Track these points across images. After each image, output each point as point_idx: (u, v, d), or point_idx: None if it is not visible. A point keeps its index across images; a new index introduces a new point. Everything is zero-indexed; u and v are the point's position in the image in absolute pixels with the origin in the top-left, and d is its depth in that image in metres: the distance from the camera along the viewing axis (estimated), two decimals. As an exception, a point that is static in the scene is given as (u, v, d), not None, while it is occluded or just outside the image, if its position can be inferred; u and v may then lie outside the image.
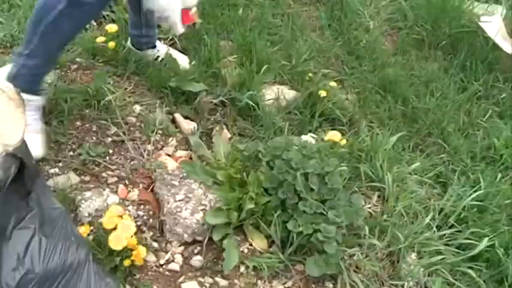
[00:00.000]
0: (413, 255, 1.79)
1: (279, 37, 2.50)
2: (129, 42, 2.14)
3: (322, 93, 2.20)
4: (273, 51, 2.37)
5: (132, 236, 1.44)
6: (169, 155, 1.87)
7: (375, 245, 1.70)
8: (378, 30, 2.70)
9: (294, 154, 1.68)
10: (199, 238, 1.60)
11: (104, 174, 1.72)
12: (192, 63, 2.17)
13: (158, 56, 2.15)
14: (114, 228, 1.43)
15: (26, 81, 1.60)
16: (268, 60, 2.28)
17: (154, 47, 2.16)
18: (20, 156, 1.15)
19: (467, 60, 2.58)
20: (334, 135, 1.94)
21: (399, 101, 2.37)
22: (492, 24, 2.56)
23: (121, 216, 1.46)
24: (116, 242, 1.40)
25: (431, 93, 2.41)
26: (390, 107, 2.34)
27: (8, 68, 1.68)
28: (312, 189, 1.63)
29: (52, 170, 1.68)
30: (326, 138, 1.93)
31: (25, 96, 1.31)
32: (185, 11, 1.71)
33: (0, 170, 1.09)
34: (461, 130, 2.33)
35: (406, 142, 2.22)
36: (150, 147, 1.86)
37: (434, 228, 1.87)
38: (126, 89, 2.03)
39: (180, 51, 2.27)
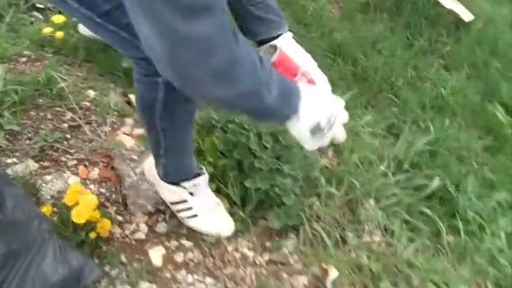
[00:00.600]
0: (371, 201, 1.88)
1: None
2: (79, 28, 2.14)
3: (272, 62, 2.26)
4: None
5: (94, 210, 1.49)
6: (127, 134, 1.91)
7: (333, 194, 1.78)
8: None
9: (246, 117, 1.74)
10: (162, 208, 1.66)
11: (63, 159, 1.75)
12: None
13: None
14: (77, 204, 1.47)
15: None
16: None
17: None
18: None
19: (411, 19, 2.68)
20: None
21: (349, 62, 2.45)
22: (430, -19, 2.67)
23: (82, 193, 1.50)
24: (78, 216, 1.44)
25: (379, 52, 2.51)
26: (341, 69, 2.43)
27: None
28: (265, 148, 1.70)
29: (9, 160, 1.69)
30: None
31: None
32: None
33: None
34: (410, 84, 2.43)
35: (358, 99, 2.30)
36: (107, 128, 1.90)
37: (390, 175, 1.96)
38: (78, 75, 2.05)
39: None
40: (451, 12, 2.63)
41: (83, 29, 2.11)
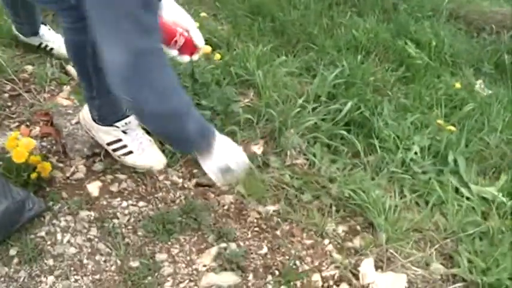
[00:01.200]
0: (292, 130, 2.08)
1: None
2: (14, 30, 2.23)
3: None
4: None
5: (34, 154, 1.66)
6: (65, 99, 2.09)
7: (253, 125, 1.98)
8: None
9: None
10: (97, 150, 1.83)
11: (5, 123, 1.89)
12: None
13: (46, 45, 2.20)
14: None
15: None
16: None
17: (37, 33, 2.19)
18: None
19: (322, -27, 2.91)
20: (204, 48, 2.20)
21: (268, 20, 2.66)
22: None
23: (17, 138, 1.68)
24: (18, 156, 1.59)
25: (294, 7, 2.72)
26: (261, 27, 2.63)
27: None
28: (186, 87, 1.89)
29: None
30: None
31: None
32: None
33: None
34: (326, 32, 2.64)
35: (278, 51, 2.51)
36: (46, 95, 2.05)
37: (308, 106, 2.16)
38: (16, 54, 2.22)
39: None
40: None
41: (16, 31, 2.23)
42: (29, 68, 2.17)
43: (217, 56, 2.24)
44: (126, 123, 1.73)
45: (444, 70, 2.62)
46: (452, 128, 2.24)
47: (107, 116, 1.71)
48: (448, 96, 2.47)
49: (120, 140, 1.75)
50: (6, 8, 2.12)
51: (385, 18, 2.80)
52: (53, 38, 2.21)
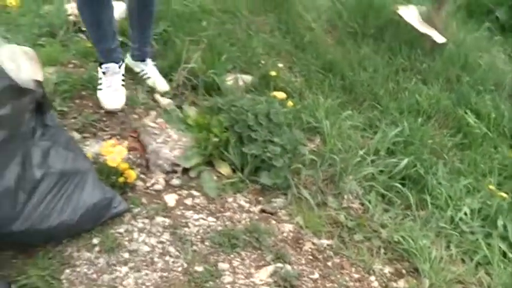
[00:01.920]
0: (351, 177, 2.25)
1: (237, 39, 3.05)
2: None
3: (273, 73, 2.72)
4: (232, 49, 2.91)
5: (123, 162, 1.91)
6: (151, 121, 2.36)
7: (317, 166, 2.17)
8: (320, 28, 3.28)
9: (246, 101, 2.18)
10: (176, 168, 2.06)
11: (100, 133, 2.18)
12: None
13: (145, 74, 2.54)
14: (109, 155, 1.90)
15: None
16: (228, 54, 2.81)
17: (144, 61, 2.57)
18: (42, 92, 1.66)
19: (392, 43, 3.14)
20: (278, 94, 2.44)
21: (338, 77, 2.90)
22: (409, 11, 3.15)
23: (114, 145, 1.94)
24: (112, 161, 1.87)
25: (364, 69, 2.95)
26: (331, 83, 2.87)
27: None
28: (261, 124, 2.12)
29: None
30: (271, 94, 2.43)
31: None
32: None
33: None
34: (391, 94, 2.84)
35: (345, 107, 2.72)
36: (135, 116, 2.35)
37: (368, 159, 2.33)
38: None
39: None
40: (426, 36, 3.09)
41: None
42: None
43: (290, 103, 2.47)
44: (106, 67, 2.28)
45: (502, 141, 2.75)
46: (504, 195, 2.34)
47: (99, 55, 2.30)
48: (503, 166, 2.58)
49: (100, 78, 2.30)
50: (130, 31, 2.54)
51: (448, 88, 2.98)
52: (152, 71, 2.56)
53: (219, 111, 2.21)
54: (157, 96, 2.52)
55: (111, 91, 2.27)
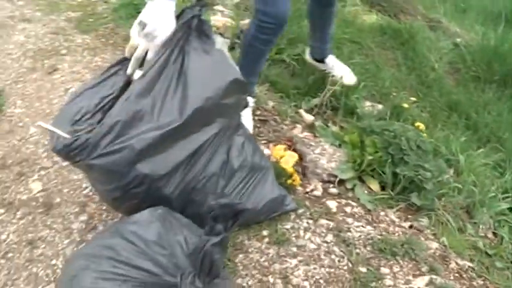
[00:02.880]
0: (484, 209, 2.39)
1: (366, 70, 3.27)
2: (306, 54, 2.95)
3: (405, 105, 2.91)
4: (364, 77, 3.13)
5: (292, 166, 2.13)
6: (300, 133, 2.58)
7: (457, 195, 2.33)
8: (442, 69, 3.47)
9: (397, 126, 2.38)
10: (332, 179, 2.27)
11: (256, 138, 2.42)
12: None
13: (330, 72, 2.87)
14: (281, 157, 2.13)
15: None
16: (365, 82, 3.03)
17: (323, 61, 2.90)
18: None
19: (517, 92, 3.30)
20: (418, 125, 2.63)
21: (463, 117, 3.06)
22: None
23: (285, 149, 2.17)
24: (285, 163, 2.09)
25: (488, 112, 3.10)
26: (455, 121, 3.03)
27: None
28: (412, 149, 2.30)
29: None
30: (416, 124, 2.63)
31: None
32: None
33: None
34: (516, 140, 2.99)
35: (469, 144, 2.87)
36: (285, 126, 2.58)
37: (499, 195, 2.48)
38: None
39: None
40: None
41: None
42: (270, 103, 2.72)
43: (425, 135, 2.65)
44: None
45: None
46: None
47: None
48: None
49: None
50: (311, 32, 2.79)
51: None
52: (337, 66, 2.83)
53: (372, 132, 2.41)
54: (302, 112, 2.75)
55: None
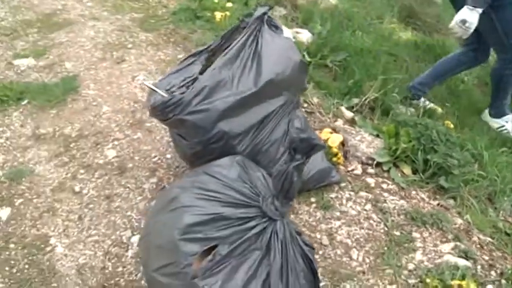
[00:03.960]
0: (506, 198, 2.68)
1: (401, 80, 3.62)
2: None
3: (439, 110, 3.25)
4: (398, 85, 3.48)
5: (335, 146, 2.47)
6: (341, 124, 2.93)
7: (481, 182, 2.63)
8: (471, 82, 3.79)
9: (429, 121, 2.70)
10: (370, 162, 2.60)
11: (307, 127, 2.76)
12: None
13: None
14: (328, 139, 2.48)
15: None
16: (400, 88, 3.36)
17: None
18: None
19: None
20: (448, 123, 2.95)
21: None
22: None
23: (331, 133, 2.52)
24: (332, 142, 2.44)
25: None
26: (482, 126, 3.34)
27: None
28: (442, 140, 2.62)
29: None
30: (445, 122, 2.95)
31: None
32: None
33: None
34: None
35: (493, 144, 3.17)
36: (327, 118, 2.93)
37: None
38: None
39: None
40: None
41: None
42: (315, 99, 3.06)
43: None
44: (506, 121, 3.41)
45: None
46: None
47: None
48: None
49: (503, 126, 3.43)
50: None
51: None
52: None
53: (406, 125, 2.74)
54: (343, 109, 3.10)
55: None
